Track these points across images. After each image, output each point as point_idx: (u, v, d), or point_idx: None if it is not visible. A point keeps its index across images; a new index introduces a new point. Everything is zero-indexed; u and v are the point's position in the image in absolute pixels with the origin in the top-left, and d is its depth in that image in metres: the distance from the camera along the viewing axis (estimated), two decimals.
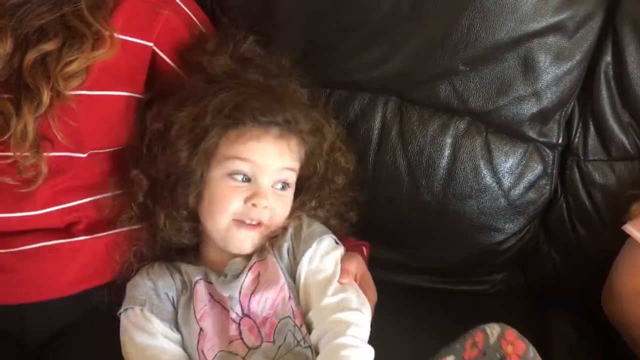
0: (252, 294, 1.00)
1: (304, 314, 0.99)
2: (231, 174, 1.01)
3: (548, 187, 1.24)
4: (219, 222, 1.02)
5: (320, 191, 1.09)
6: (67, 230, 1.07)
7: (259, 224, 1.02)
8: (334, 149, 1.11)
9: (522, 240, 1.27)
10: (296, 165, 1.05)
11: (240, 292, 1.00)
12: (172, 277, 1.04)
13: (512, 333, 0.89)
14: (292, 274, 1.02)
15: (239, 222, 1.01)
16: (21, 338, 1.07)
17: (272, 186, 1.02)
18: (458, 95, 1.19)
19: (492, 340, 0.89)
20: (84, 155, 1.05)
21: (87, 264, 1.07)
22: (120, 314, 1.03)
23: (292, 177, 1.05)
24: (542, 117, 1.20)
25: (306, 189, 1.08)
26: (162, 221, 1.04)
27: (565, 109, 1.21)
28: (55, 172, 1.02)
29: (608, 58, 1.19)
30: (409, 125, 1.22)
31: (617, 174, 1.22)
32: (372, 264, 1.15)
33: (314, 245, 1.01)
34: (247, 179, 1.01)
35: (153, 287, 1.03)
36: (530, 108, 1.19)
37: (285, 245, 1.03)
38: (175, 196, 1.03)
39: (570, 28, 1.16)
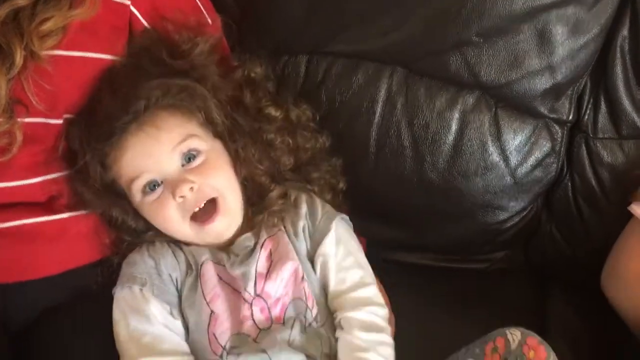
0: (267, 273, 0.95)
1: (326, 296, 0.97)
2: (144, 192, 0.95)
3: (555, 165, 1.19)
4: (180, 233, 0.97)
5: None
6: (49, 206, 1.00)
7: (211, 204, 0.95)
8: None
9: (525, 219, 1.23)
10: (189, 130, 0.95)
11: (256, 270, 0.95)
12: (175, 256, 0.98)
13: (533, 339, 0.88)
14: (311, 256, 0.98)
15: (196, 218, 0.95)
16: (3, 319, 1.00)
17: (183, 166, 0.94)
18: (469, 68, 1.12)
19: (513, 345, 0.87)
20: (60, 122, 0.98)
21: (72, 243, 1.01)
22: (114, 292, 0.96)
23: (193, 143, 0.95)
24: (555, 92, 1.15)
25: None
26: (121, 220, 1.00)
27: (577, 84, 1.16)
28: (31, 139, 0.96)
29: (625, 32, 1.13)
30: (415, 98, 1.15)
31: (626, 153, 1.18)
32: (371, 241, 1.13)
33: (333, 226, 0.98)
34: (159, 183, 0.94)
35: (154, 266, 0.97)
36: (543, 83, 1.13)
37: (301, 224, 0.98)
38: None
39: None
